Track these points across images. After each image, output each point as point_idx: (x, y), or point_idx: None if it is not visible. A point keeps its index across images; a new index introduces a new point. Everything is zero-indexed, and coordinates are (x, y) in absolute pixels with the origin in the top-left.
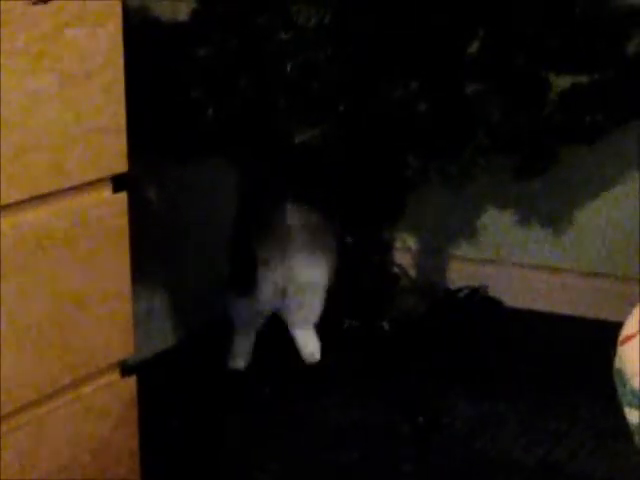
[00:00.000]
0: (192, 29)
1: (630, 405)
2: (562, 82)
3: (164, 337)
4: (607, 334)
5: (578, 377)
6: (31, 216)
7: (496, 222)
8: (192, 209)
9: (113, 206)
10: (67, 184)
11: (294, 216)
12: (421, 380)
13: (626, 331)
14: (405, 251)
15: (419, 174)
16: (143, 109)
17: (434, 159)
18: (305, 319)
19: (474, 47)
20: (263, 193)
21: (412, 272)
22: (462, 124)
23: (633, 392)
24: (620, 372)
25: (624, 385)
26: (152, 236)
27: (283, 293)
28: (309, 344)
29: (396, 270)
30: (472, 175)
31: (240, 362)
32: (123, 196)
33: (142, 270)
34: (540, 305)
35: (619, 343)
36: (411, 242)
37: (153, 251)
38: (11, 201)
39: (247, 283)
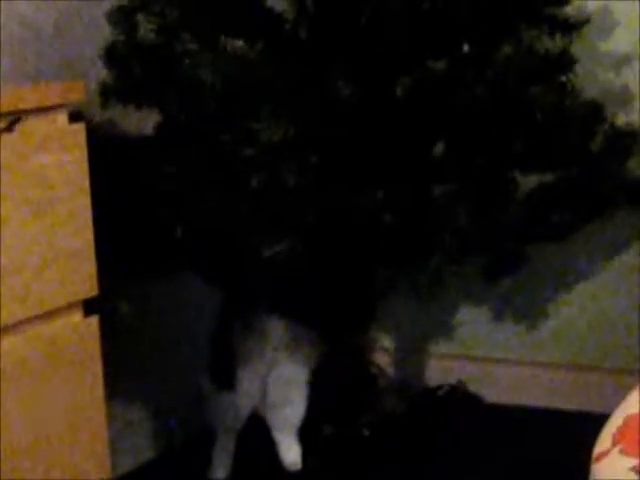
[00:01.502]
0: (157, 144)
1: None
2: (528, 182)
3: (143, 451)
4: (587, 426)
5: (561, 474)
6: (2, 345)
7: (471, 318)
8: (167, 323)
9: (85, 330)
10: (37, 311)
11: (272, 318)
12: None
13: (599, 447)
14: (382, 351)
15: (388, 284)
16: (112, 226)
17: (402, 269)
18: (288, 421)
19: (439, 149)
20: (240, 299)
21: (390, 371)
22: (428, 231)
23: None
24: None
25: None
26: (128, 351)
27: (263, 390)
28: (291, 452)
29: (374, 371)
30: (442, 282)
31: (221, 472)
32: (94, 319)
33: (119, 386)
34: (519, 399)
35: (593, 460)
36: (387, 342)
37: (129, 367)
38: None
39: (227, 377)
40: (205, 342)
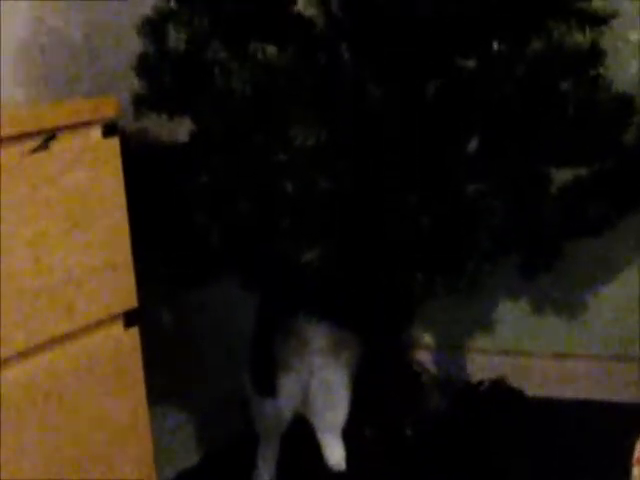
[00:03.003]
0: (191, 151)
1: None
2: (562, 176)
3: (187, 456)
4: (630, 417)
5: (605, 465)
6: (43, 361)
7: (510, 313)
8: (207, 328)
9: (126, 342)
10: (78, 325)
11: (311, 323)
12: None
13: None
14: (423, 348)
15: (426, 287)
16: (148, 235)
17: (440, 272)
18: (331, 423)
19: (472, 147)
20: (279, 304)
21: (431, 369)
22: (464, 233)
23: None
24: None
25: None
26: (169, 357)
27: (306, 395)
28: (335, 453)
29: (416, 369)
30: (479, 284)
31: (266, 476)
32: (135, 331)
33: (161, 392)
34: (561, 392)
35: (635, 461)
36: (428, 339)
37: (170, 373)
38: (22, 348)
39: (269, 383)
40: (245, 347)
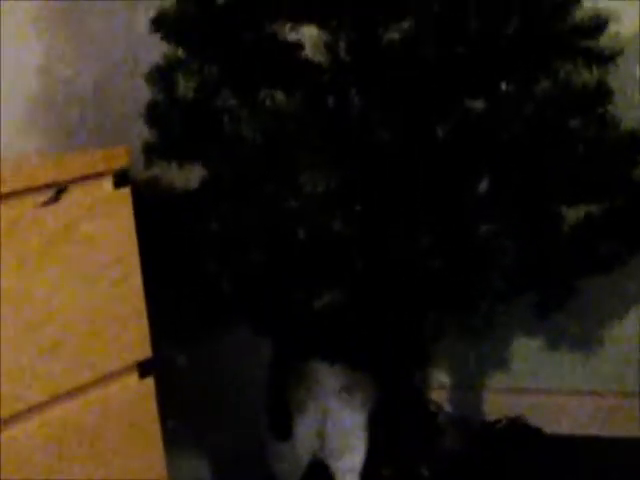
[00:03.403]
0: (202, 198)
1: None
2: (574, 214)
3: None
4: None
5: None
6: (58, 413)
7: (525, 350)
8: (223, 374)
9: (141, 392)
10: (92, 376)
11: (324, 366)
12: None
13: None
14: (439, 388)
15: (439, 328)
16: (161, 284)
17: (452, 313)
18: (349, 466)
19: (483, 186)
20: (291, 348)
21: (447, 408)
22: (476, 274)
23: None
24: None
25: None
26: (186, 406)
27: (322, 438)
28: None
29: (432, 408)
30: (493, 324)
31: None
32: (150, 381)
33: (178, 441)
34: (580, 430)
35: None
36: (444, 379)
37: (188, 421)
38: (38, 401)
39: (285, 427)
40: (260, 395)
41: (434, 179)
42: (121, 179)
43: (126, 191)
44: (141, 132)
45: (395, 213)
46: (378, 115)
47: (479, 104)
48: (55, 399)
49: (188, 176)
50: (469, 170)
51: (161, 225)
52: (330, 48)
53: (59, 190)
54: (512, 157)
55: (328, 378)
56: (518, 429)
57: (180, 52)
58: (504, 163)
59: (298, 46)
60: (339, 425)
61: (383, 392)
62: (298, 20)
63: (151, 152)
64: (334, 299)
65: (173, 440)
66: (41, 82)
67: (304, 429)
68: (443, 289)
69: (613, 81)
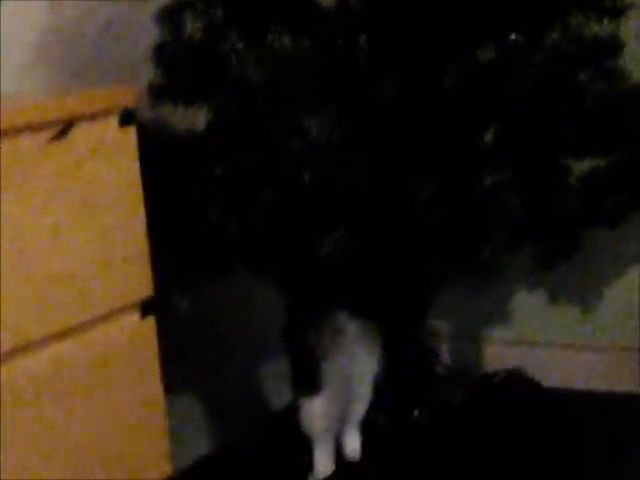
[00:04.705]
0: (208, 141)
1: None
2: (581, 167)
3: (201, 447)
4: None
5: (622, 457)
6: (58, 350)
7: (527, 303)
8: (224, 319)
9: (142, 331)
10: (94, 314)
11: (344, 314)
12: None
13: None
14: (439, 338)
15: (442, 275)
16: (166, 225)
17: (455, 260)
18: (354, 414)
19: (489, 137)
20: (306, 299)
21: (447, 359)
22: (480, 223)
23: None
24: None
25: None
26: (189, 348)
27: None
28: (351, 443)
29: (431, 358)
30: (494, 274)
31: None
32: (151, 320)
33: (177, 382)
34: (577, 383)
35: None
36: (445, 329)
37: (187, 363)
38: (36, 337)
39: (313, 382)
40: (262, 338)
41: (440, 128)
42: (126, 118)
43: (131, 130)
44: (150, 74)
45: (400, 161)
46: (386, 61)
47: (488, 53)
48: (54, 336)
49: (194, 118)
50: (476, 119)
51: (166, 167)
52: None
53: (65, 127)
54: (519, 108)
55: (350, 324)
56: (516, 382)
57: None
58: (511, 114)
59: None
60: (358, 372)
61: (385, 341)
62: None
63: (157, 93)
64: (338, 244)
65: (173, 379)
66: (50, 20)
67: (333, 377)
68: (445, 235)
69: (623, 34)
